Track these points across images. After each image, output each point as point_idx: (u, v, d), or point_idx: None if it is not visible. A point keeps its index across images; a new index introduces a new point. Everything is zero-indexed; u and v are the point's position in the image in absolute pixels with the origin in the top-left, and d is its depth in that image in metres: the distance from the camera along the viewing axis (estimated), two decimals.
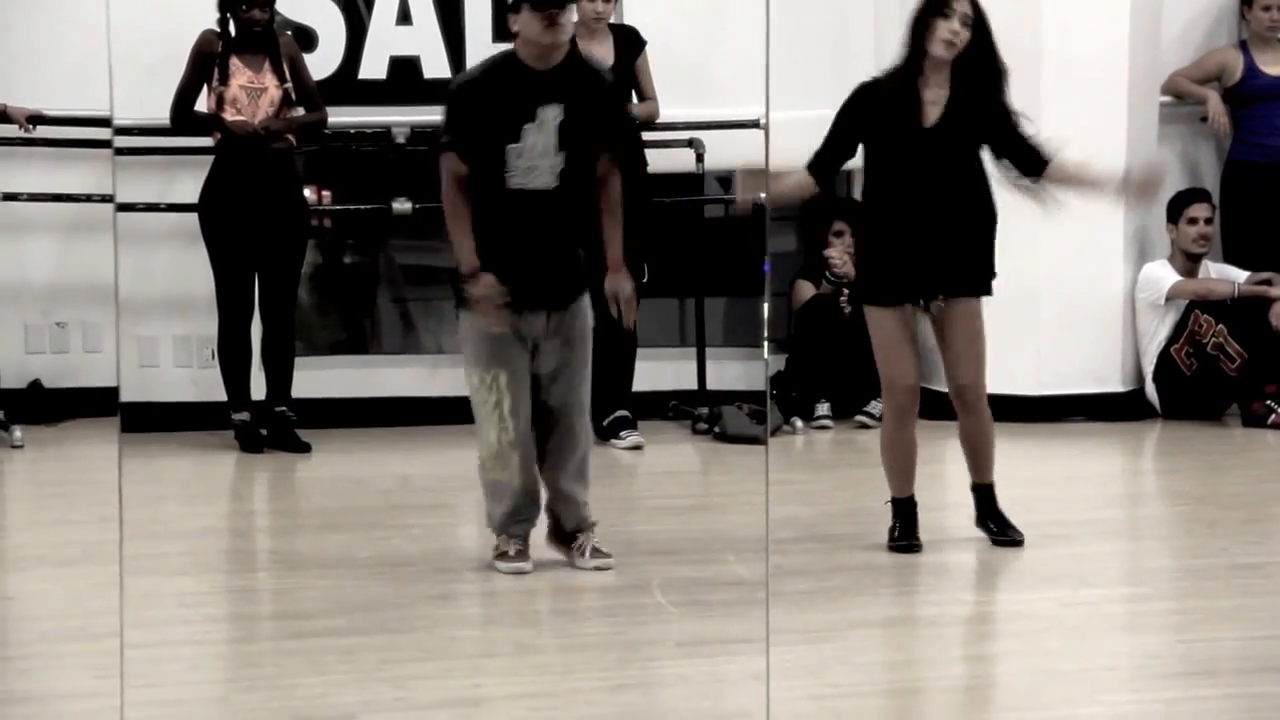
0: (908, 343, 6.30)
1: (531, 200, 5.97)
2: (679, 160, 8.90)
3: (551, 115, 5.95)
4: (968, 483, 6.50)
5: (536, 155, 5.95)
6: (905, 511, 6.41)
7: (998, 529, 6.46)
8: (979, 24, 6.15)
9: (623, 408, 8.50)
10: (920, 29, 6.15)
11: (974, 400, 6.38)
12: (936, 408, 8.66)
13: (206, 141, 8.30)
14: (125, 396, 8.50)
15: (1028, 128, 6.29)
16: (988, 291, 6.38)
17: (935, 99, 6.18)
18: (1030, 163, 6.32)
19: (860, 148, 6.35)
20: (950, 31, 6.11)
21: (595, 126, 6.02)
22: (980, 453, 6.44)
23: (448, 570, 6.31)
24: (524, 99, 5.95)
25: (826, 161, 6.36)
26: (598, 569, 6.16)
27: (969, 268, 6.31)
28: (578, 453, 6.20)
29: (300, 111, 8.38)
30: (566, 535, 6.26)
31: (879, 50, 9.13)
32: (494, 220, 6.01)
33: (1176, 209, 8.98)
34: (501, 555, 6.16)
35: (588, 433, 6.28)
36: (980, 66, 6.16)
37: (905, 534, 6.38)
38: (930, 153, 6.18)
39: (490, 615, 5.87)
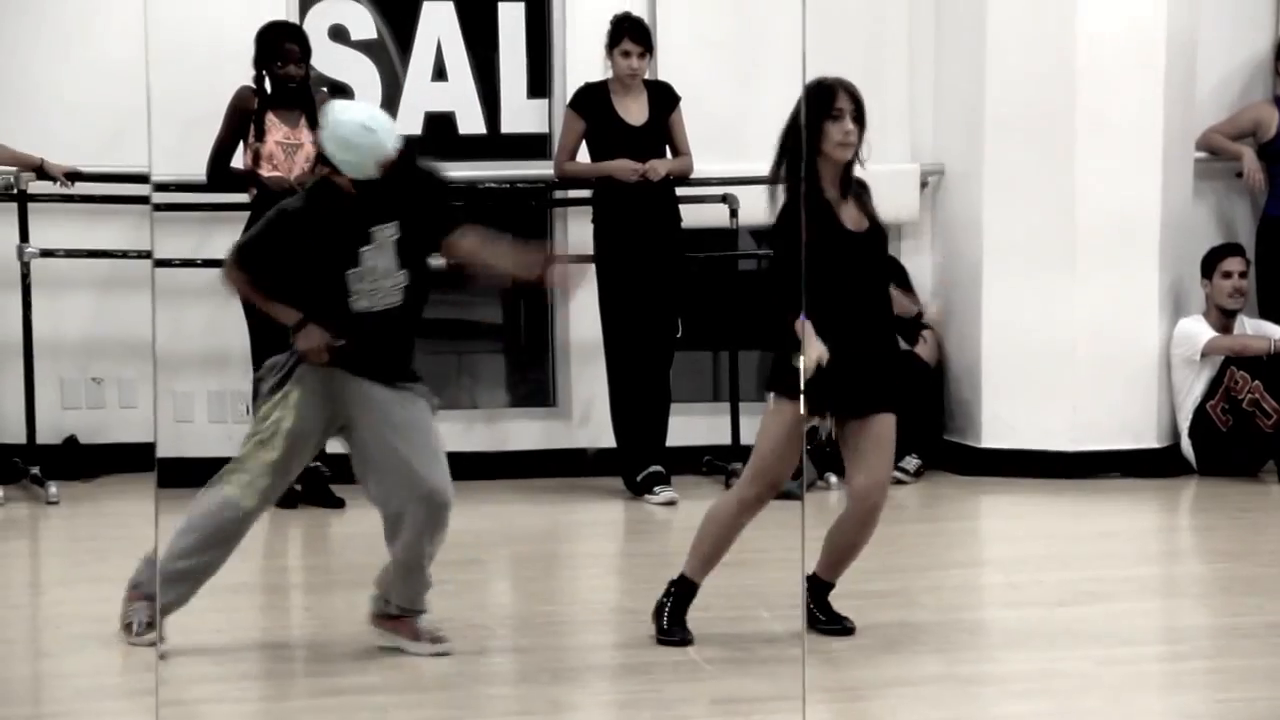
0: (799, 442, 5.95)
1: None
2: (713, 215, 8.91)
3: (387, 234, 5.82)
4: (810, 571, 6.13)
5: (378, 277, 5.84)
6: (687, 597, 6.08)
7: (827, 619, 6.11)
8: (860, 118, 5.87)
9: (657, 462, 8.49)
10: (810, 132, 5.81)
11: (871, 506, 6.03)
12: (969, 463, 8.67)
13: (243, 197, 8.34)
14: (161, 452, 8.51)
15: None
16: (895, 408, 6.03)
17: (837, 200, 5.91)
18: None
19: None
20: (844, 133, 5.83)
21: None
22: (852, 554, 6.11)
23: (481, 626, 6.30)
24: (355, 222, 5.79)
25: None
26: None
27: (882, 381, 6.00)
28: None
29: None
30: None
31: (913, 105, 9.20)
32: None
33: (1211, 264, 8.97)
34: None
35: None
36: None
37: (678, 622, 6.03)
38: (859, 259, 5.92)
39: (524, 671, 5.86)
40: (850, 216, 5.94)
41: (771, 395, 6.01)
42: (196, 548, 5.86)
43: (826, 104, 5.82)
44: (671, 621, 6.04)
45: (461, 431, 9.07)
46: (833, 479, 8.75)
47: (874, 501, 6.00)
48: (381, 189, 5.76)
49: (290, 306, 5.89)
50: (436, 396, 6.03)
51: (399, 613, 6.01)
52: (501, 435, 9.11)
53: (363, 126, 5.69)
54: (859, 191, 5.99)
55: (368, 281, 5.80)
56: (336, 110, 5.79)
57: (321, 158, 5.86)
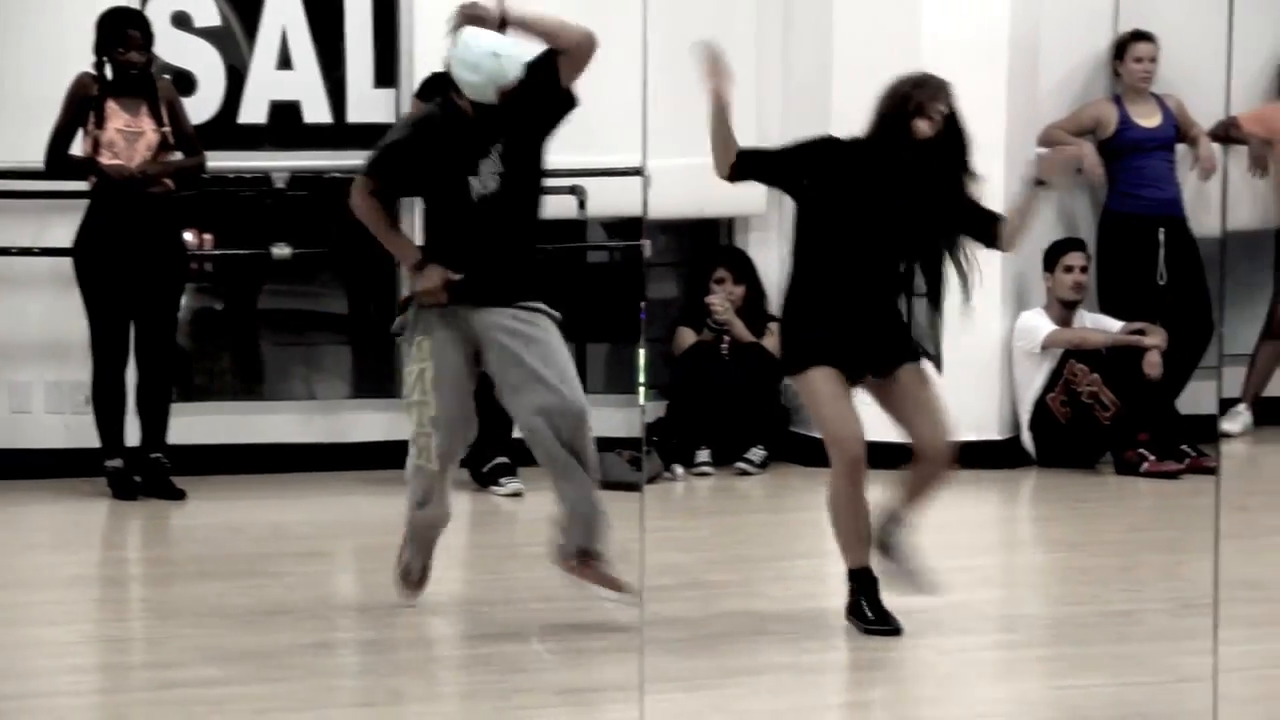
0: (850, 399, 6.04)
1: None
2: (562, 207, 8.90)
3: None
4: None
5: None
6: (869, 584, 6.06)
7: (876, 617, 6.06)
8: (955, 122, 6.03)
9: (502, 454, 8.47)
10: (902, 112, 5.98)
11: (947, 457, 6.14)
12: (814, 454, 8.68)
13: (82, 185, 8.22)
14: None
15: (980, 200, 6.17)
16: (918, 358, 6.17)
17: (902, 178, 6.02)
18: (987, 233, 6.18)
19: (797, 203, 6.19)
20: (930, 118, 5.97)
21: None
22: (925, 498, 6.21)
23: (323, 618, 6.26)
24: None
25: (757, 166, 6.17)
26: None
27: (903, 336, 6.13)
28: None
29: (178, 156, 8.32)
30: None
31: (759, 98, 9.23)
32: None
33: (1052, 258, 9.09)
34: None
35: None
36: (955, 156, 6.05)
37: (878, 613, 6.00)
38: (896, 235, 6.03)
39: (367, 664, 5.82)
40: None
41: (794, 378, 6.10)
42: (411, 505, 6.29)
43: (924, 100, 5.97)
44: (874, 612, 5.98)
45: (303, 423, 9.01)
46: (679, 470, 8.78)
47: (949, 452, 6.10)
48: (498, 114, 6.05)
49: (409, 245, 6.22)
50: (558, 313, 6.23)
51: (579, 557, 6.06)
52: (344, 426, 9.04)
53: (491, 53, 6.00)
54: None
55: (476, 186, 6.05)
56: (467, 35, 6.06)
57: (446, 79, 6.16)
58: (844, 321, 5.99)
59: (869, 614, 5.99)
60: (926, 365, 6.16)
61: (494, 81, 6.04)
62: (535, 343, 6.08)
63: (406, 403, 6.20)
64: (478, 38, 6.09)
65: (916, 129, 5.99)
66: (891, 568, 6.12)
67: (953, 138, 6.05)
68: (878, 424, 6.25)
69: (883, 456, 8.16)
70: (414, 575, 6.38)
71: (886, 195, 6.01)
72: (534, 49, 6.18)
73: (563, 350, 6.15)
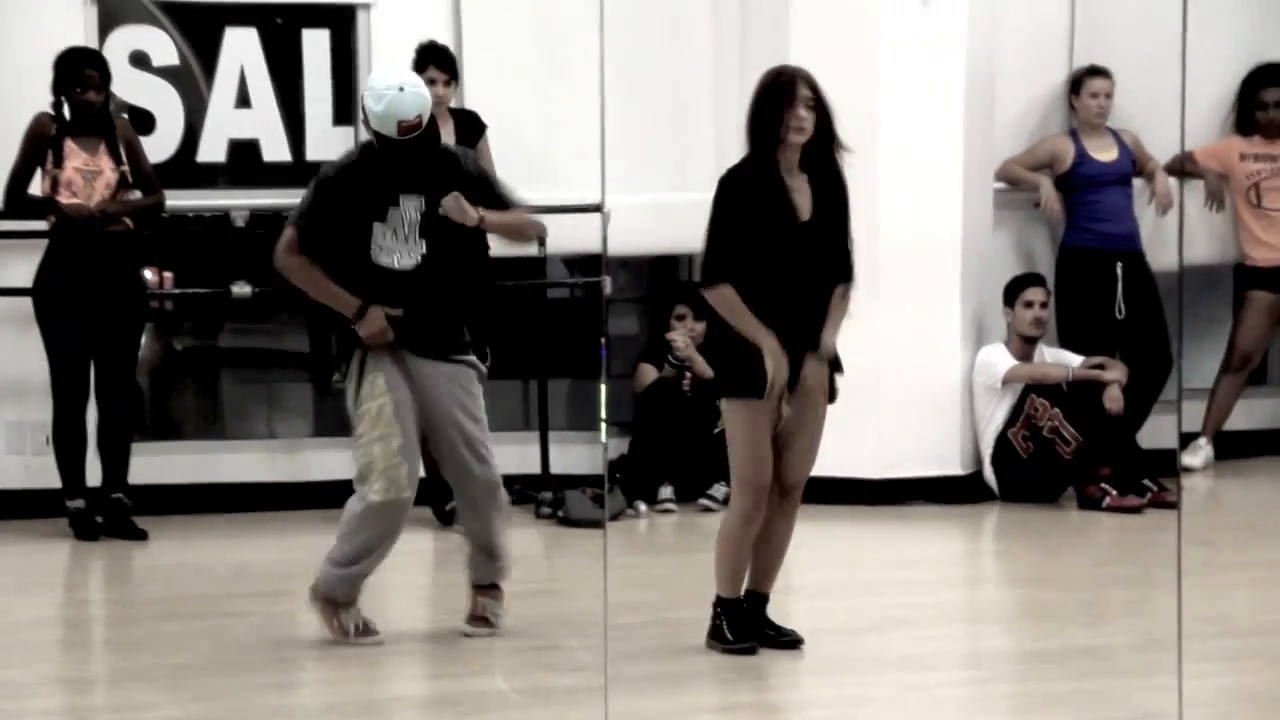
0: (769, 440, 6.08)
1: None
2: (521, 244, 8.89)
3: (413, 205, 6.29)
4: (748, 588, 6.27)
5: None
6: (737, 611, 6.20)
7: (775, 632, 6.26)
8: (820, 105, 6.04)
9: None
10: (770, 118, 6.01)
11: (796, 501, 6.24)
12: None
13: (41, 225, 8.19)
14: None
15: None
16: (834, 398, 6.24)
17: (799, 188, 6.05)
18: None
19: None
20: (798, 118, 5.98)
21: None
22: (779, 558, 6.27)
23: (286, 660, 6.23)
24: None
25: (732, 263, 6.04)
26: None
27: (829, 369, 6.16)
28: None
29: (137, 194, 8.30)
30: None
31: (718, 136, 9.26)
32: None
33: (1012, 293, 9.12)
34: None
35: None
36: (829, 153, 6.06)
37: (741, 634, 6.16)
38: (806, 247, 6.04)
39: (331, 704, 5.80)
40: (801, 204, 6.03)
41: (724, 401, 6.13)
42: (362, 552, 6.37)
43: (783, 94, 6.00)
44: (735, 633, 6.13)
45: (265, 461, 8.98)
46: (642, 507, 8.78)
47: (798, 497, 6.24)
48: (408, 157, 6.21)
49: (345, 295, 6.23)
50: (484, 365, 6.49)
51: (477, 585, 6.50)
52: (305, 465, 9.01)
53: (397, 86, 6.20)
54: (820, 179, 6.06)
55: (390, 240, 6.23)
56: (379, 68, 6.56)
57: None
58: (787, 345, 6.00)
59: (730, 637, 6.15)
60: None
61: (395, 114, 6.16)
62: (456, 407, 6.35)
63: (365, 442, 6.28)
64: (387, 71, 6.39)
65: (789, 122, 5.98)
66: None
67: (825, 123, 6.04)
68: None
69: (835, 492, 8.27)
70: (359, 625, 6.38)
71: (790, 202, 6.04)
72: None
73: (478, 412, 6.44)
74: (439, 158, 6.35)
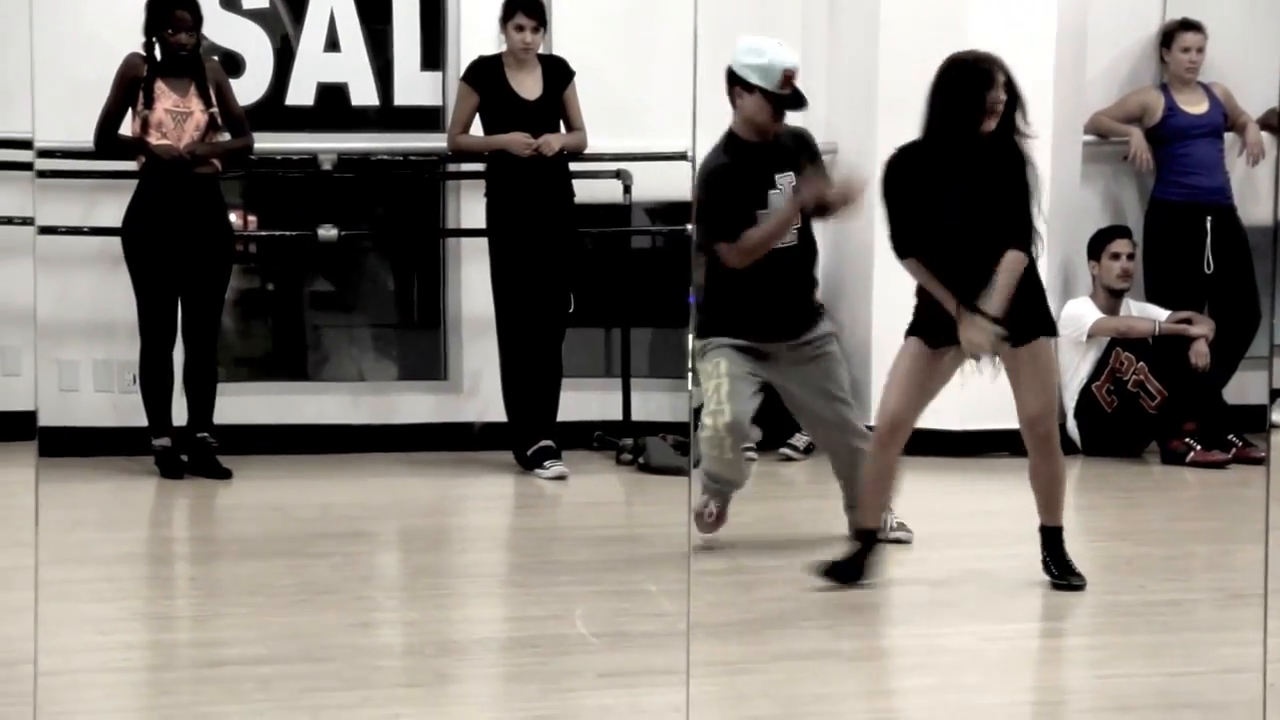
0: (913, 376, 6.31)
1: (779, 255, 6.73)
2: (607, 191, 8.91)
3: (787, 181, 6.73)
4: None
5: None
6: (866, 543, 6.41)
7: (1059, 573, 6.38)
8: (1013, 90, 6.19)
9: (547, 438, 8.49)
10: (966, 100, 6.12)
11: (1044, 434, 6.38)
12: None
13: (131, 165, 8.26)
14: (44, 421, 8.43)
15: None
16: (1054, 331, 6.50)
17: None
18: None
19: None
20: (995, 99, 6.13)
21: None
22: (1048, 492, 6.42)
23: (368, 598, 6.28)
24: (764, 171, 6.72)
25: (907, 236, 6.28)
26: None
27: (1023, 313, 6.28)
28: None
29: (226, 137, 8.35)
30: None
31: (806, 83, 9.21)
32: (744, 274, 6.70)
33: (1098, 246, 9.06)
34: None
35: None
36: (1013, 144, 6.22)
37: (852, 572, 6.35)
38: (979, 211, 6.19)
39: (411, 644, 5.84)
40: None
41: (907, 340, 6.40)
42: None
43: (981, 78, 6.15)
44: (850, 567, 6.35)
45: (350, 404, 9.05)
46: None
47: (1045, 429, 6.37)
48: (780, 142, 6.71)
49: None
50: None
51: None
52: (390, 408, 9.07)
53: (773, 42, 6.73)
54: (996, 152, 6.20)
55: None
56: (743, 38, 6.79)
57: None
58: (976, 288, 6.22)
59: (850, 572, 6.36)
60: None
61: (780, 64, 6.66)
62: (821, 375, 6.92)
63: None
64: (753, 37, 6.83)
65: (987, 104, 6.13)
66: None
67: (1011, 112, 6.22)
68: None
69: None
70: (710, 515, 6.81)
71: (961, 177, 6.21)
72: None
73: (840, 374, 6.99)
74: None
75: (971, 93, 6.12)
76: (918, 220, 6.21)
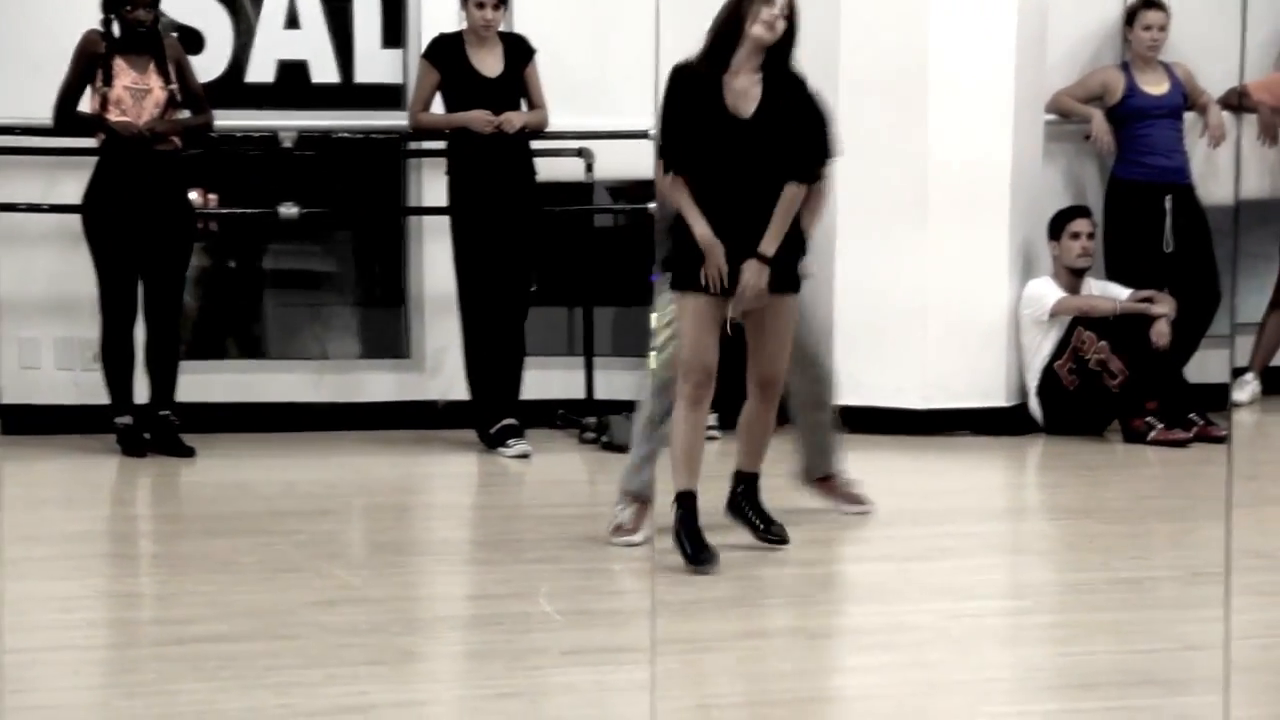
0: (715, 329, 6.19)
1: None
2: (569, 169, 8.90)
3: None
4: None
5: None
6: (691, 510, 6.23)
7: (764, 525, 6.48)
8: (792, 17, 6.18)
9: (510, 416, 8.48)
10: (739, 12, 6.16)
11: (774, 394, 6.40)
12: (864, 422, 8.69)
13: (90, 142, 8.21)
14: (6, 399, 8.40)
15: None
16: (797, 289, 6.34)
17: (745, 89, 6.18)
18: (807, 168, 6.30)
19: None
20: (771, 16, 6.12)
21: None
22: (761, 440, 6.47)
23: (332, 576, 6.27)
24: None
25: (680, 154, 6.22)
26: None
27: (785, 265, 6.25)
28: None
29: (185, 114, 8.31)
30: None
31: None
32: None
33: (1059, 225, 9.08)
34: None
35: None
36: (789, 62, 6.22)
37: (697, 544, 6.18)
38: (747, 145, 6.16)
39: (375, 622, 5.82)
40: (744, 103, 6.15)
41: (674, 293, 6.28)
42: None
43: None
44: (692, 544, 6.18)
45: (312, 382, 9.02)
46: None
47: (776, 387, 6.37)
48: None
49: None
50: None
51: (823, 475, 6.98)
52: (353, 386, 9.05)
53: None
54: (780, 82, 6.18)
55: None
56: None
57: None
58: (730, 243, 6.14)
59: (686, 547, 6.18)
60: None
61: None
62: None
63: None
64: None
65: (760, 16, 6.12)
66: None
67: (790, 35, 6.20)
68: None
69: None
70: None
71: (729, 97, 6.17)
72: None
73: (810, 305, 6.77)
74: None
75: (744, 5, 6.14)
76: (690, 141, 6.15)
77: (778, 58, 6.21)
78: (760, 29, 6.15)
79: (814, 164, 6.36)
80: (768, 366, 6.33)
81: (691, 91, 6.17)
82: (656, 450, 6.58)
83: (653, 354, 6.63)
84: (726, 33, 6.20)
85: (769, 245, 6.17)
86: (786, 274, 6.25)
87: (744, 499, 6.55)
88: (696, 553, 6.16)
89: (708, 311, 6.19)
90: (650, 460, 6.63)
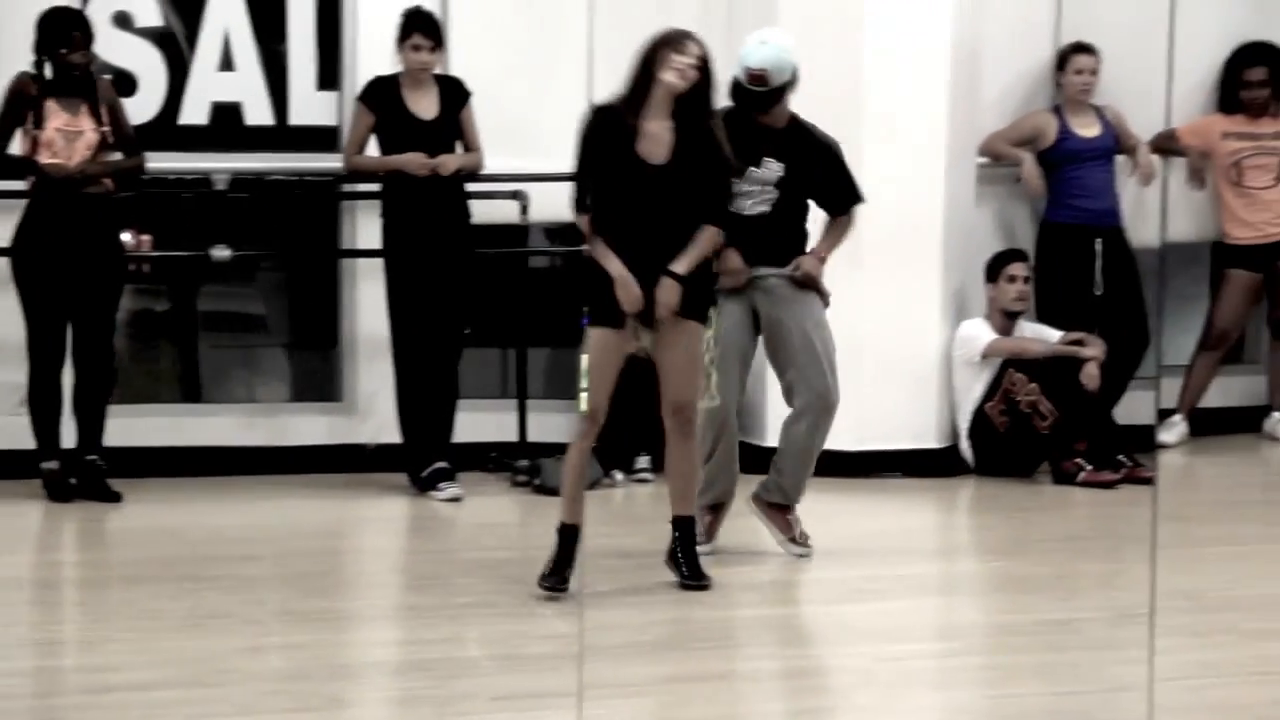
0: (616, 366, 6.46)
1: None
2: (504, 212, 8.90)
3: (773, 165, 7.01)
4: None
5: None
6: (567, 540, 6.44)
7: (689, 573, 6.59)
8: (706, 69, 6.40)
9: (442, 459, 8.46)
10: (652, 59, 6.37)
11: (688, 420, 6.57)
12: (755, 461, 8.72)
13: (20, 185, 8.17)
14: None
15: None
16: (702, 319, 6.58)
17: (657, 134, 6.39)
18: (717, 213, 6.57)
19: None
20: (683, 64, 6.34)
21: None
22: (689, 480, 6.64)
23: (259, 623, 6.23)
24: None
25: (590, 195, 6.48)
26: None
27: (693, 293, 6.48)
28: None
29: (118, 156, 8.28)
30: None
31: None
32: None
33: (994, 268, 9.12)
34: None
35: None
36: (704, 108, 6.42)
37: (560, 568, 6.42)
38: (656, 191, 6.38)
39: (303, 669, 5.80)
40: (656, 148, 6.38)
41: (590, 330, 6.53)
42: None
43: (677, 39, 6.41)
44: (555, 566, 6.41)
45: (243, 426, 8.97)
46: (618, 476, 8.78)
47: (689, 414, 6.56)
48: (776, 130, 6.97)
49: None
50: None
51: (779, 502, 7.10)
52: (284, 429, 9.01)
53: (758, 39, 7.01)
54: (693, 129, 6.40)
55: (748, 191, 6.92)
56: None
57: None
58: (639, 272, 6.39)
59: (547, 569, 6.42)
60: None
61: (766, 60, 6.92)
62: (808, 324, 7.19)
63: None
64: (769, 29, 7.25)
65: (672, 63, 6.36)
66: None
67: (705, 84, 6.44)
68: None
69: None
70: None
71: (641, 142, 6.41)
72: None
73: (826, 335, 7.23)
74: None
75: (656, 48, 6.37)
76: (600, 184, 6.39)
77: (692, 105, 6.38)
78: (672, 76, 6.33)
79: (844, 202, 7.18)
80: (677, 393, 6.53)
81: (605, 135, 6.37)
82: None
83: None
84: (640, 79, 6.37)
85: (681, 266, 6.41)
86: (694, 301, 6.47)
87: (678, 545, 6.61)
88: (556, 583, 6.38)
89: (615, 348, 6.41)
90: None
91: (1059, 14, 9.67)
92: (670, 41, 6.40)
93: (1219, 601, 6.59)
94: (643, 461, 8.85)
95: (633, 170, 6.36)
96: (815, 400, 7.03)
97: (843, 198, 7.24)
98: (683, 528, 6.63)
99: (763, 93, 6.95)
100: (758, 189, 7.02)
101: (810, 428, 7.06)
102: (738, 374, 7.05)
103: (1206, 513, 8.26)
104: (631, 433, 8.86)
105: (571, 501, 6.47)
